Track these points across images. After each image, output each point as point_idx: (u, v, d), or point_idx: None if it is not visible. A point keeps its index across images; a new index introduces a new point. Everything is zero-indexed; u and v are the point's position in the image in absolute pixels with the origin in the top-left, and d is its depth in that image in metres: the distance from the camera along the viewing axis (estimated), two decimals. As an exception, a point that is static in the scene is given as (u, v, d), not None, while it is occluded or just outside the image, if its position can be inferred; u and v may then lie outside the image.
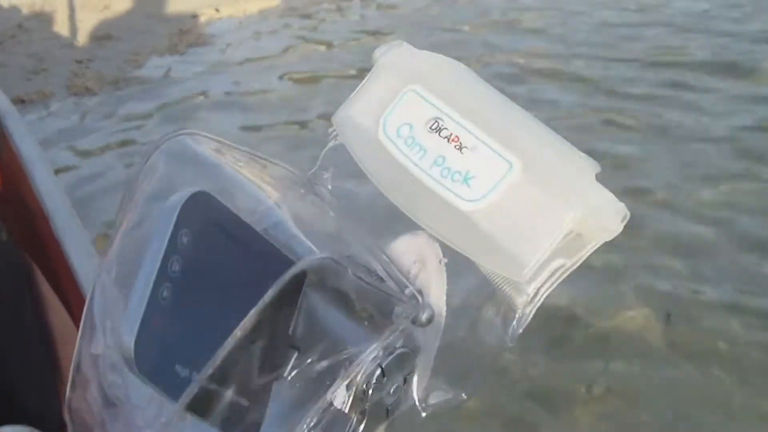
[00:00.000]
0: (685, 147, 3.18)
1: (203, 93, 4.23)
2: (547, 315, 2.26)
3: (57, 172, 2.74)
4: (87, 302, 0.47)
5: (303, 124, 3.72)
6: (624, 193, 0.48)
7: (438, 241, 0.45)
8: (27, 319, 1.28)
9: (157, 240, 0.41)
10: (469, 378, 0.47)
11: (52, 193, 1.50)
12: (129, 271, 0.42)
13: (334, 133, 0.50)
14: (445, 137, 0.44)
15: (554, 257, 0.41)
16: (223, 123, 3.79)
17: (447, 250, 0.45)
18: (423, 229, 0.45)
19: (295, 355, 0.42)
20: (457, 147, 0.44)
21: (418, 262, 0.46)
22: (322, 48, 4.83)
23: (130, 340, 0.38)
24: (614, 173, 2.90)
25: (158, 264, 0.40)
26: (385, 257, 0.46)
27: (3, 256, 1.35)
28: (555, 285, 0.42)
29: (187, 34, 5.12)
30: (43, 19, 5.44)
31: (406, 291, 0.43)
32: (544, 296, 0.42)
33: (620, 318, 2.33)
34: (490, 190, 0.42)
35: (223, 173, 0.48)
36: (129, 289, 0.40)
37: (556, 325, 2.27)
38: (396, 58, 0.49)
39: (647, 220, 2.69)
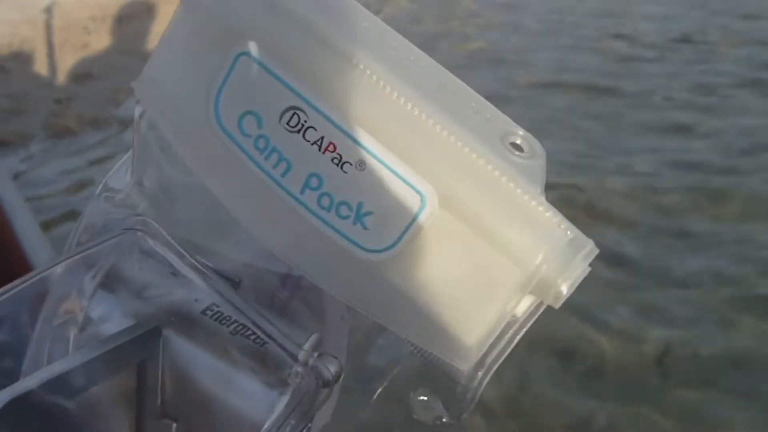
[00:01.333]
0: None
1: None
2: (538, 345, 2.23)
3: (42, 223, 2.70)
4: None
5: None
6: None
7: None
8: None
9: None
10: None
11: (33, 242, 1.49)
12: None
13: (140, 109, 0.35)
14: (314, 143, 0.29)
15: (495, 333, 0.29)
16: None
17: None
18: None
19: (174, 426, 0.34)
20: (336, 161, 0.29)
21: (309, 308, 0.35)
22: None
23: None
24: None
25: None
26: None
27: None
28: (508, 350, 0.30)
29: (167, 72, 5.08)
30: (22, 59, 5.40)
31: (305, 345, 0.33)
32: (495, 366, 0.30)
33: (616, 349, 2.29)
34: (399, 238, 0.28)
35: None
36: None
37: (549, 356, 2.23)
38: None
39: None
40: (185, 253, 0.35)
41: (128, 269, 0.35)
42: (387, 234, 0.28)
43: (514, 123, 0.30)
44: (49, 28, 5.78)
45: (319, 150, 0.29)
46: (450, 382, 0.31)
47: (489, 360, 0.30)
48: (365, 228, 0.29)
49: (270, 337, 0.33)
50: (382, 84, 0.28)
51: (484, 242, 0.27)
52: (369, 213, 0.28)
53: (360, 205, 0.28)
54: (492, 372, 0.30)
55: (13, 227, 1.53)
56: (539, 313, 0.29)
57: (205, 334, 0.33)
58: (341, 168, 0.28)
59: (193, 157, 0.32)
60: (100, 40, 5.70)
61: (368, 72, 0.28)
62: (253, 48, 0.29)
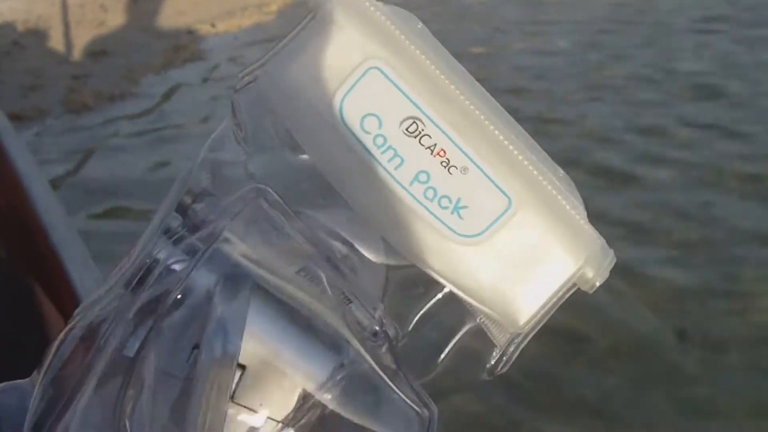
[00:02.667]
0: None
1: (199, 108, 4.22)
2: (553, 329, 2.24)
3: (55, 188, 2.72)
4: None
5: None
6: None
7: (413, 265, 0.38)
8: (28, 336, 1.27)
9: None
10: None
11: (50, 210, 1.49)
12: None
13: (248, 85, 0.39)
14: (428, 147, 0.36)
15: (544, 307, 0.37)
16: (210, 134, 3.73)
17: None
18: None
19: (240, 373, 0.36)
20: (444, 164, 0.36)
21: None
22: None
23: None
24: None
25: None
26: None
27: (2, 273, 1.34)
28: (539, 326, 0.38)
29: (182, 50, 5.11)
30: (39, 35, 5.43)
31: (378, 309, 0.38)
32: (529, 338, 0.38)
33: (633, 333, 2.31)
34: (487, 228, 0.36)
35: None
36: None
37: (564, 339, 2.24)
38: (351, 7, 0.37)
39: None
40: (297, 219, 0.39)
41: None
42: (477, 224, 0.36)
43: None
44: (65, 5, 5.81)
45: (431, 153, 0.36)
46: (490, 345, 0.39)
47: (527, 329, 0.37)
48: (460, 218, 0.36)
49: (355, 297, 0.38)
50: (480, 115, 0.36)
51: (548, 240, 0.36)
52: (465, 207, 0.36)
53: (459, 200, 0.36)
54: (527, 340, 0.38)
55: (30, 193, 1.53)
56: (567, 295, 0.37)
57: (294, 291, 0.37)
58: (448, 170, 0.36)
59: (313, 145, 0.37)
60: (116, 18, 5.73)
61: (467, 103, 0.36)
62: (384, 66, 0.36)
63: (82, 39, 5.36)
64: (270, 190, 0.39)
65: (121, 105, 4.32)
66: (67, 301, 1.31)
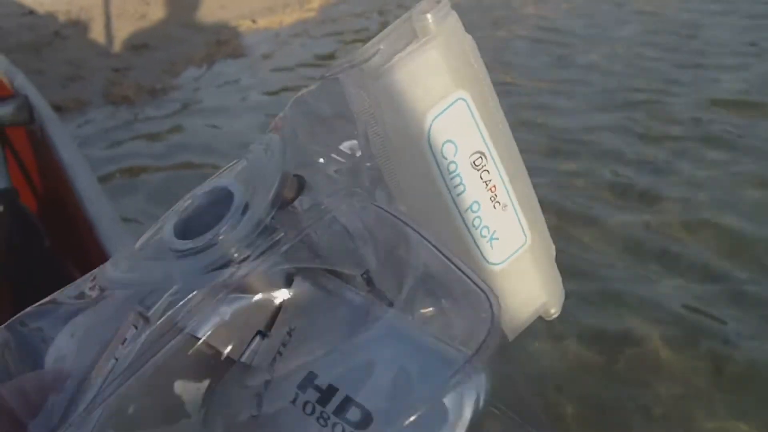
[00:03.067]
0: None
1: (239, 101, 4.19)
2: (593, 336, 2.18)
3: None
4: None
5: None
6: None
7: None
8: None
9: None
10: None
11: (95, 200, 1.46)
12: None
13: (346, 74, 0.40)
14: (485, 182, 0.40)
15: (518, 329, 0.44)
16: (255, 129, 3.76)
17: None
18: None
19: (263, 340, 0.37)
20: (493, 199, 0.41)
21: None
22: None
23: None
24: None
25: None
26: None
27: (45, 263, 1.33)
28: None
29: (224, 45, 5.08)
30: (80, 27, 5.42)
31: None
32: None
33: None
34: (506, 259, 0.42)
35: None
36: None
37: (603, 347, 2.20)
38: (452, 37, 0.39)
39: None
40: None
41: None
42: (500, 254, 0.41)
43: None
44: (106, -3, 5.80)
45: (486, 188, 0.40)
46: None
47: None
48: (491, 247, 0.41)
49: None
50: (520, 161, 0.42)
51: (535, 276, 0.43)
52: (497, 238, 0.41)
53: (495, 231, 0.41)
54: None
55: (75, 184, 1.50)
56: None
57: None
58: (493, 204, 0.41)
59: (400, 156, 0.40)
60: (157, 11, 5.70)
61: (515, 148, 0.42)
62: (469, 99, 0.39)
63: (123, 31, 5.34)
64: (365, 195, 0.40)
65: (162, 98, 4.29)
66: None
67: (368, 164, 0.42)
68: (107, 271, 0.41)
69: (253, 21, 5.54)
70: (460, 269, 0.36)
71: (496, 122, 0.40)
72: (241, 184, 0.39)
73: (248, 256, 0.36)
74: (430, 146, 0.39)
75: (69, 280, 1.15)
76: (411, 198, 0.40)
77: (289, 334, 0.36)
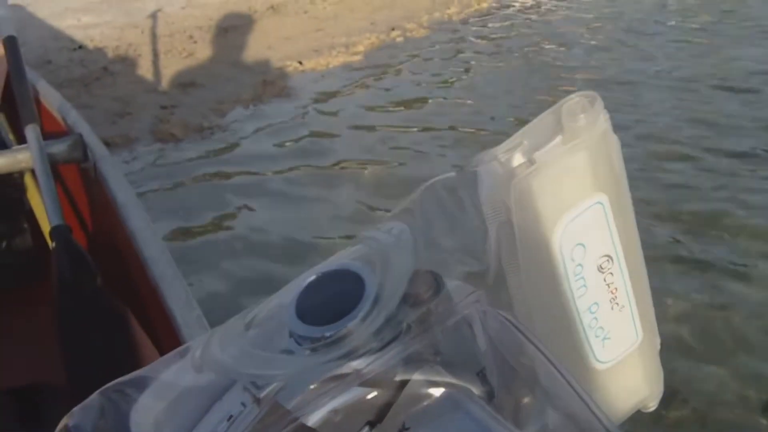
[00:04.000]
0: None
1: (285, 144, 4.18)
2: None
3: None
4: None
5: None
6: None
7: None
8: (121, 366, 1.20)
9: None
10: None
11: (148, 240, 1.45)
12: None
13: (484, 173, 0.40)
14: (608, 284, 0.41)
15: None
16: (301, 175, 3.77)
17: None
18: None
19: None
20: (612, 300, 0.41)
21: None
22: (401, 106, 4.77)
23: None
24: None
25: None
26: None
27: (96, 300, 1.31)
28: None
29: (270, 86, 5.10)
30: (128, 62, 5.47)
31: None
32: None
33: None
34: (615, 359, 0.42)
35: None
36: None
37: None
38: (600, 140, 0.38)
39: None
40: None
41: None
42: (611, 353, 0.41)
43: None
44: (154, 34, 5.86)
45: (608, 290, 0.40)
46: None
47: None
48: (603, 347, 0.41)
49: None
50: (642, 261, 0.42)
51: (640, 375, 0.44)
52: (609, 338, 0.41)
53: (609, 332, 0.41)
54: None
55: (127, 223, 1.49)
56: None
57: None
58: (611, 306, 0.41)
59: (528, 256, 0.39)
60: (205, 50, 5.75)
61: (639, 249, 0.42)
62: (607, 203, 0.39)
63: (170, 69, 5.38)
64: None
65: (209, 138, 4.30)
66: (164, 334, 1.28)
67: (494, 266, 0.41)
68: (213, 350, 0.38)
69: (300, 62, 5.57)
70: (584, 401, 0.36)
71: (628, 224, 0.40)
72: (370, 271, 0.37)
73: (371, 349, 0.34)
74: (561, 249, 0.39)
75: (120, 318, 1.13)
76: (532, 295, 0.40)
77: (404, 429, 0.34)
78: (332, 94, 5.01)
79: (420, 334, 0.35)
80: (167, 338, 1.23)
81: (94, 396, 0.38)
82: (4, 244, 1.81)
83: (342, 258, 0.39)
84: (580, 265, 0.39)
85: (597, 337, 0.41)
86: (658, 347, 0.45)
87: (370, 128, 4.37)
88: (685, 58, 5.24)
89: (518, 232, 0.39)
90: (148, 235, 1.47)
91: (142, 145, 4.18)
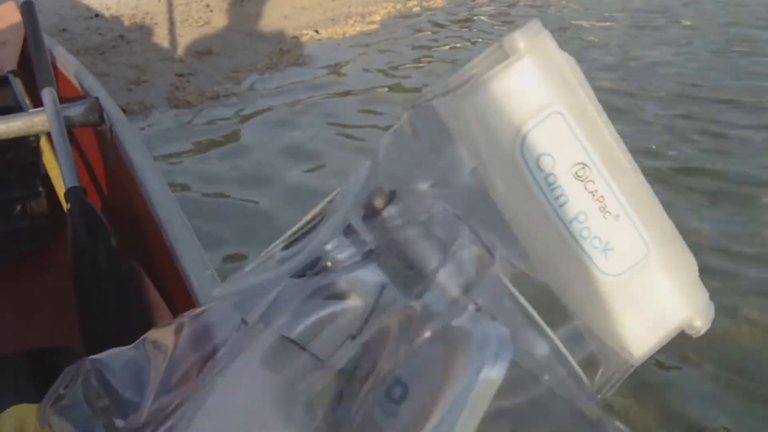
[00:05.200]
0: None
1: (301, 111, 4.18)
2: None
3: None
4: None
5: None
6: None
7: (550, 290, 0.43)
8: (135, 328, 1.21)
9: None
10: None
11: (164, 203, 1.45)
12: None
13: (428, 101, 0.43)
14: (591, 192, 0.40)
15: (659, 344, 0.42)
16: (318, 139, 3.78)
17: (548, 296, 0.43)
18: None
19: None
20: (601, 209, 0.40)
21: None
22: (421, 72, 4.75)
23: None
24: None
25: None
26: None
27: (112, 264, 1.31)
28: (642, 361, 0.42)
29: (286, 54, 5.08)
30: (144, 31, 5.47)
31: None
32: (635, 367, 0.42)
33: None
34: (626, 270, 0.41)
35: None
36: None
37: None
38: (542, 54, 0.40)
39: None
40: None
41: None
42: (618, 265, 0.40)
43: None
44: (170, 3, 5.85)
45: (593, 198, 0.40)
46: (595, 372, 0.43)
47: (633, 363, 0.42)
48: (606, 258, 0.40)
49: None
50: (632, 169, 0.41)
51: (671, 289, 0.41)
52: (611, 249, 0.40)
53: (608, 242, 0.40)
54: (631, 371, 0.42)
55: (144, 186, 1.49)
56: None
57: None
58: (603, 214, 0.40)
59: (493, 172, 0.41)
60: (221, 19, 5.74)
61: (624, 157, 0.41)
62: (566, 112, 0.39)
63: (186, 37, 5.37)
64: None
65: (225, 105, 4.30)
66: (177, 294, 1.28)
67: (461, 186, 0.44)
68: (214, 292, 0.45)
69: (316, 31, 5.55)
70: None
71: (602, 135, 0.40)
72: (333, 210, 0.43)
73: (343, 265, 0.40)
74: (525, 159, 0.40)
75: (135, 278, 1.14)
76: (514, 209, 0.41)
77: (379, 338, 0.38)
78: (348, 63, 4.99)
79: (382, 240, 0.41)
80: (181, 298, 1.23)
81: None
82: (19, 208, 1.81)
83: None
84: (552, 174, 0.40)
85: (595, 247, 0.40)
86: (693, 267, 0.42)
87: (387, 95, 4.36)
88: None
89: (481, 149, 0.41)
90: (164, 196, 1.47)
91: (158, 112, 4.19)
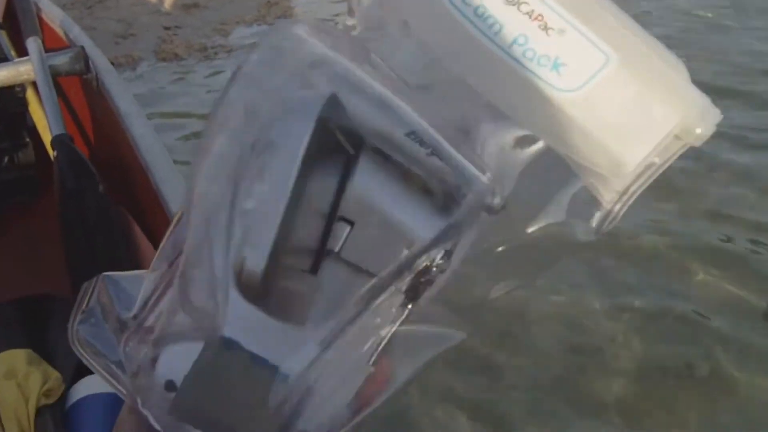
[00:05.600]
0: None
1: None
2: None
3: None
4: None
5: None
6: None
7: (521, 126, 0.40)
8: (123, 263, 1.23)
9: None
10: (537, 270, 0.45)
11: (150, 147, 1.47)
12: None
13: None
14: (526, 13, 0.39)
15: (649, 156, 0.39)
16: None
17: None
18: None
19: (348, 229, 0.37)
20: (542, 27, 0.39)
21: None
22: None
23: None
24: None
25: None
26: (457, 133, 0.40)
27: (100, 209, 1.32)
28: (645, 185, 0.40)
29: (274, 6, 5.05)
30: (131, -16, 5.41)
31: (485, 176, 0.38)
32: (635, 195, 0.40)
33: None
34: (586, 82, 0.38)
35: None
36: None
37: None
38: None
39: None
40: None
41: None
42: (575, 79, 0.38)
43: None
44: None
45: (530, 18, 0.38)
46: (593, 205, 0.41)
47: (631, 190, 0.39)
48: (559, 74, 0.38)
49: (456, 160, 0.38)
50: None
51: (646, 95, 0.38)
52: (563, 64, 0.38)
53: (557, 58, 0.38)
54: (633, 198, 0.40)
55: (130, 132, 1.50)
56: (675, 156, 0.39)
57: (402, 155, 0.37)
58: (545, 32, 0.38)
59: (421, 20, 0.40)
60: (209, -29, 5.68)
61: None
62: None
63: (174, -10, 5.33)
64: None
65: (213, 57, 4.29)
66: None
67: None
68: None
69: (305, -18, 5.50)
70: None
71: None
72: None
73: None
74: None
75: (123, 223, 1.15)
76: (447, 48, 0.40)
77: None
78: (339, 15, 4.95)
79: None
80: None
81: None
82: (6, 159, 1.81)
83: None
84: (480, 6, 0.39)
85: (543, 65, 0.38)
86: (681, 69, 0.39)
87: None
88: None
89: (398, 5, 0.41)
90: (150, 141, 1.48)
91: (145, 64, 4.18)
